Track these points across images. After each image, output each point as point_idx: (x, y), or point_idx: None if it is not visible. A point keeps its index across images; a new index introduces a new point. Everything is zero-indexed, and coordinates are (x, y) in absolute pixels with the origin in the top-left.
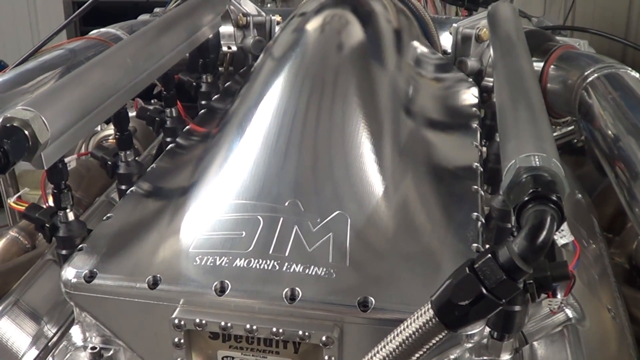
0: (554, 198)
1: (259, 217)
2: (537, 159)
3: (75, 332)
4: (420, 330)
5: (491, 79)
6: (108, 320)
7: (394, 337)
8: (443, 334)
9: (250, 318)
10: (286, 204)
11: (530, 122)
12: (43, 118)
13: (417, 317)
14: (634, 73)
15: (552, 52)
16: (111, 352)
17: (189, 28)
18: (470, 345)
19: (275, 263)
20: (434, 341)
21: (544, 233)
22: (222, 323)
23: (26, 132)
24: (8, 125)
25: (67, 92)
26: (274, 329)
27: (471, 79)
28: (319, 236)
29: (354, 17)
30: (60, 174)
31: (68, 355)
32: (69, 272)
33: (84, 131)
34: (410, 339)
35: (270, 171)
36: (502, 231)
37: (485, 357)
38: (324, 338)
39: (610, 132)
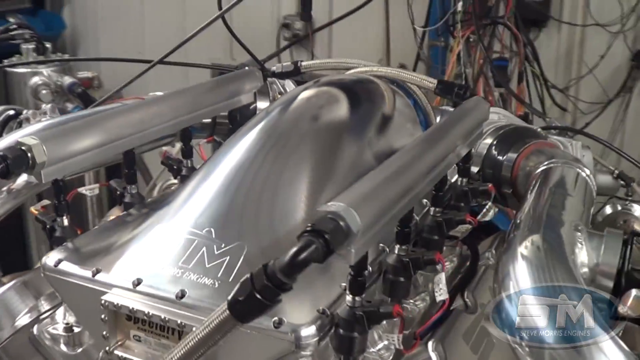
0: (326, 236)
1: (184, 237)
2: (334, 207)
3: (60, 312)
4: (216, 321)
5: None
6: (66, 297)
7: (200, 328)
8: (232, 323)
9: (150, 307)
10: (203, 231)
11: (371, 187)
12: (43, 146)
13: (217, 312)
14: (583, 173)
15: (527, 146)
16: (80, 328)
17: (220, 95)
18: (307, 354)
19: (179, 270)
20: (226, 329)
21: (302, 255)
22: (131, 307)
23: (28, 154)
24: (16, 146)
25: (75, 129)
26: (163, 317)
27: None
28: (218, 257)
29: (344, 96)
30: (60, 189)
31: (49, 327)
32: (48, 259)
33: (87, 163)
34: (208, 327)
35: (204, 204)
36: (395, 283)
37: None
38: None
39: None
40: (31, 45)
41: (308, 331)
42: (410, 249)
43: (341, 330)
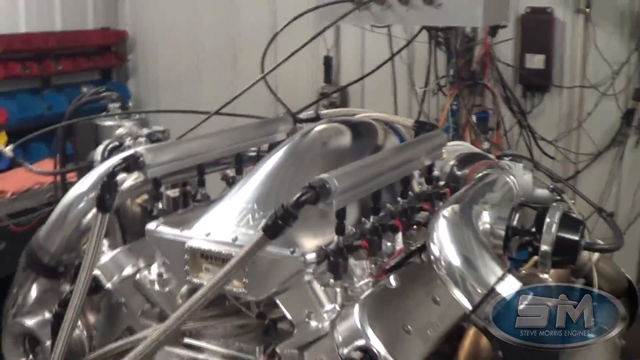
0: (317, 189)
1: (237, 209)
2: (324, 176)
3: (154, 266)
4: (254, 240)
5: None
6: (161, 248)
7: (246, 245)
8: (264, 239)
9: (216, 247)
10: (249, 205)
11: (351, 169)
12: (150, 154)
13: (255, 236)
14: (509, 179)
15: (477, 164)
16: (167, 276)
17: (261, 132)
18: (310, 270)
19: (235, 227)
20: (260, 243)
21: (303, 198)
22: (202, 247)
23: (140, 159)
24: (134, 154)
25: (166, 147)
26: (223, 252)
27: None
28: (259, 219)
29: (348, 130)
30: (158, 184)
31: (147, 275)
32: (150, 225)
33: (174, 169)
34: (250, 243)
35: (250, 190)
36: (370, 241)
37: (327, 288)
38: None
39: None
40: (117, 104)
41: (311, 256)
42: (380, 220)
43: (331, 258)
